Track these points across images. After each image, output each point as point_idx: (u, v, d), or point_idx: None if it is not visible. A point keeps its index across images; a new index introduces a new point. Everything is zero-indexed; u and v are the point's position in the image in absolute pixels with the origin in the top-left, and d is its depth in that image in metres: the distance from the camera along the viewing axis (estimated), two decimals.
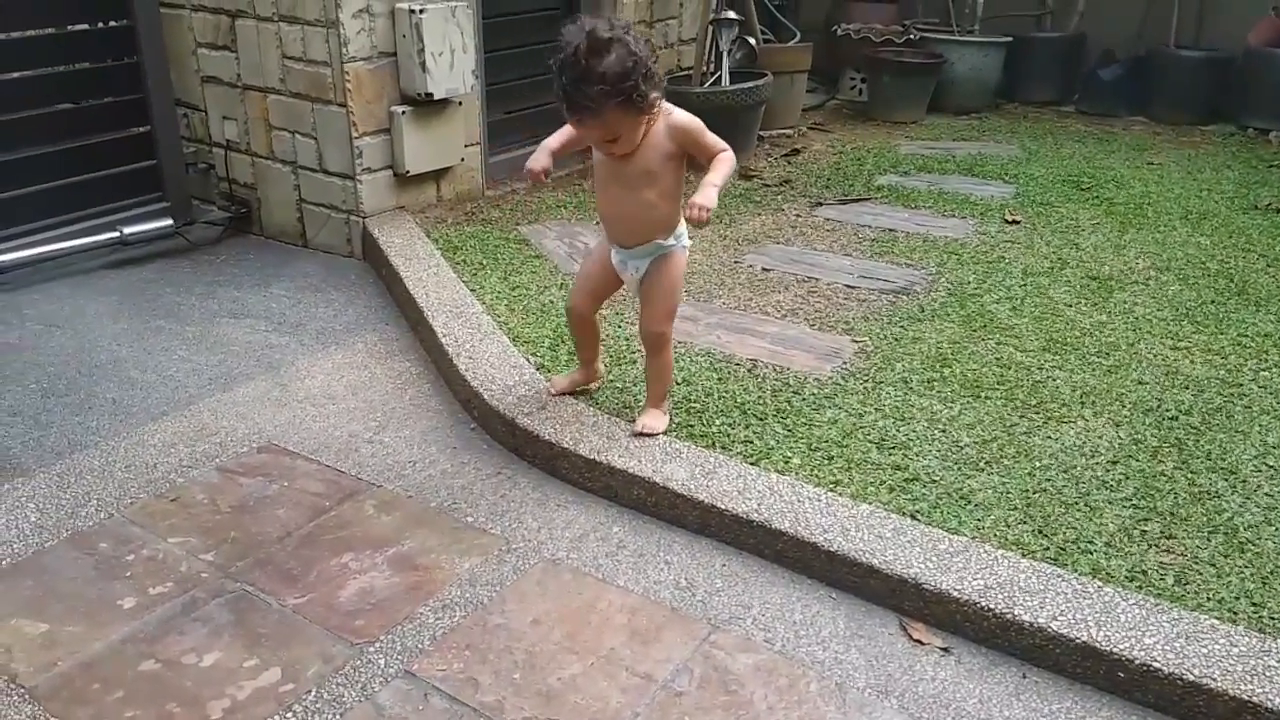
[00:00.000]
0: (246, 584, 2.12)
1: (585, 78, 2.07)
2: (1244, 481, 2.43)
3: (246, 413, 2.81)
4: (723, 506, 2.29)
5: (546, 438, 2.54)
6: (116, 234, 3.77)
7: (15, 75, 3.76)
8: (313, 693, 1.83)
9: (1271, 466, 2.49)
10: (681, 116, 2.32)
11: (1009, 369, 2.95)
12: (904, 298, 3.43)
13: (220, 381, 2.98)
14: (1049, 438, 2.61)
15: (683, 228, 2.46)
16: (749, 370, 2.93)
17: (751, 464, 2.45)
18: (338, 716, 1.78)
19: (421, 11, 3.71)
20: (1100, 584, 2.04)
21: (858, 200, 4.49)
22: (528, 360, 2.92)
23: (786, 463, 2.48)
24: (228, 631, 1.98)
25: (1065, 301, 3.42)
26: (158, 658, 1.91)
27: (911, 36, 6.34)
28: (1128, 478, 2.44)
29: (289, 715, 1.78)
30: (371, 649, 1.94)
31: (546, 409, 2.65)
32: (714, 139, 2.36)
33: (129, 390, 2.93)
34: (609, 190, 2.42)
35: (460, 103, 4.06)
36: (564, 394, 2.71)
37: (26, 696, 1.81)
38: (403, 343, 3.26)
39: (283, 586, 2.11)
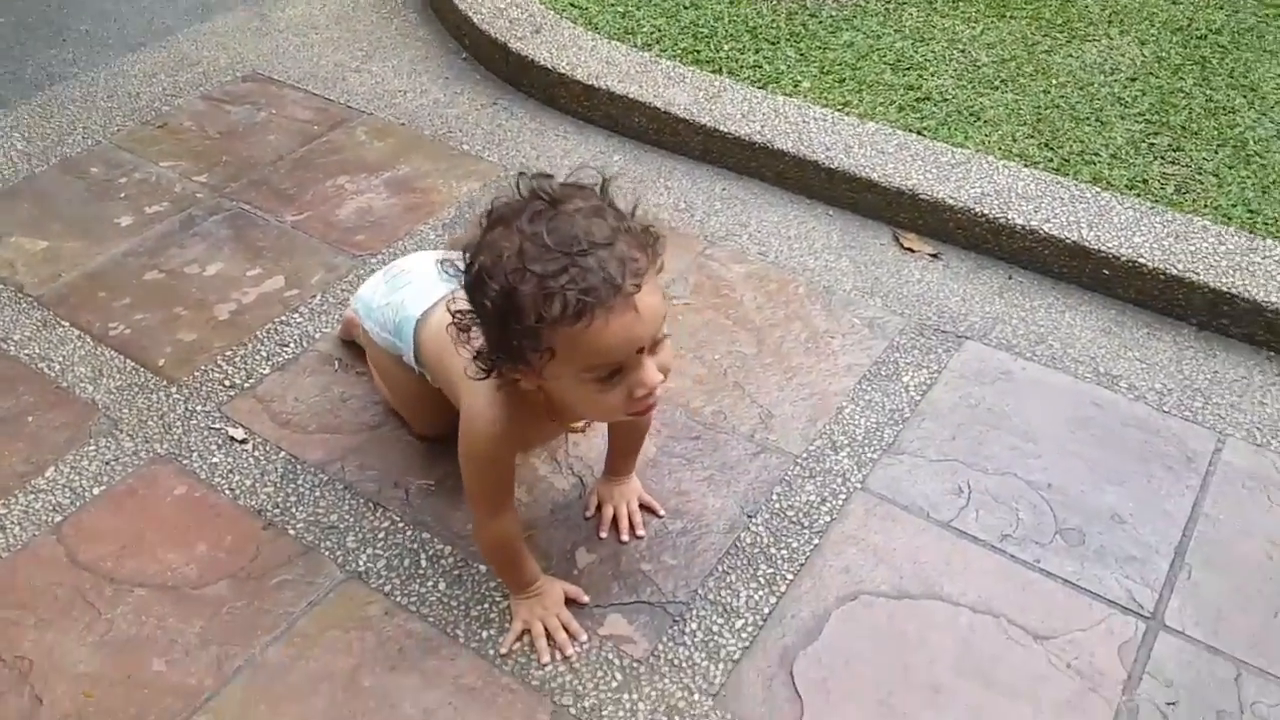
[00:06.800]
0: (243, 203, 2.13)
1: (625, 226, 1.08)
2: (1263, 99, 2.33)
3: (227, 42, 2.69)
4: (725, 130, 2.22)
5: (543, 63, 2.43)
6: None
7: None
8: (318, 297, 1.89)
9: None
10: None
11: None
12: None
13: (197, 12, 2.83)
14: (1070, 56, 2.48)
15: None
16: None
17: (759, 88, 2.35)
18: (341, 317, 1.85)
19: None
20: (1098, 190, 2.02)
21: None
22: None
23: (796, 86, 2.38)
24: (228, 245, 2.02)
25: None
26: (160, 268, 1.96)
27: None
28: (1144, 94, 2.35)
29: (295, 316, 1.86)
30: (374, 260, 1.98)
31: (542, 33, 2.51)
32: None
33: (103, 22, 2.79)
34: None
35: None
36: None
37: (35, 304, 1.88)
38: None
39: (280, 205, 2.12)
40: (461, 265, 1.12)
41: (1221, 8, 2.67)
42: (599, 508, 1.52)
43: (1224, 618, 1.40)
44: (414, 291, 1.46)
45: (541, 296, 1.02)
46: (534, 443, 1.51)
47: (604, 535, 1.49)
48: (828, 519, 1.52)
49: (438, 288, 1.41)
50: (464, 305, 1.13)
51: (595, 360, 1.08)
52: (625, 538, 1.49)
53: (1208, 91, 2.36)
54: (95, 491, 1.54)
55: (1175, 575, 1.46)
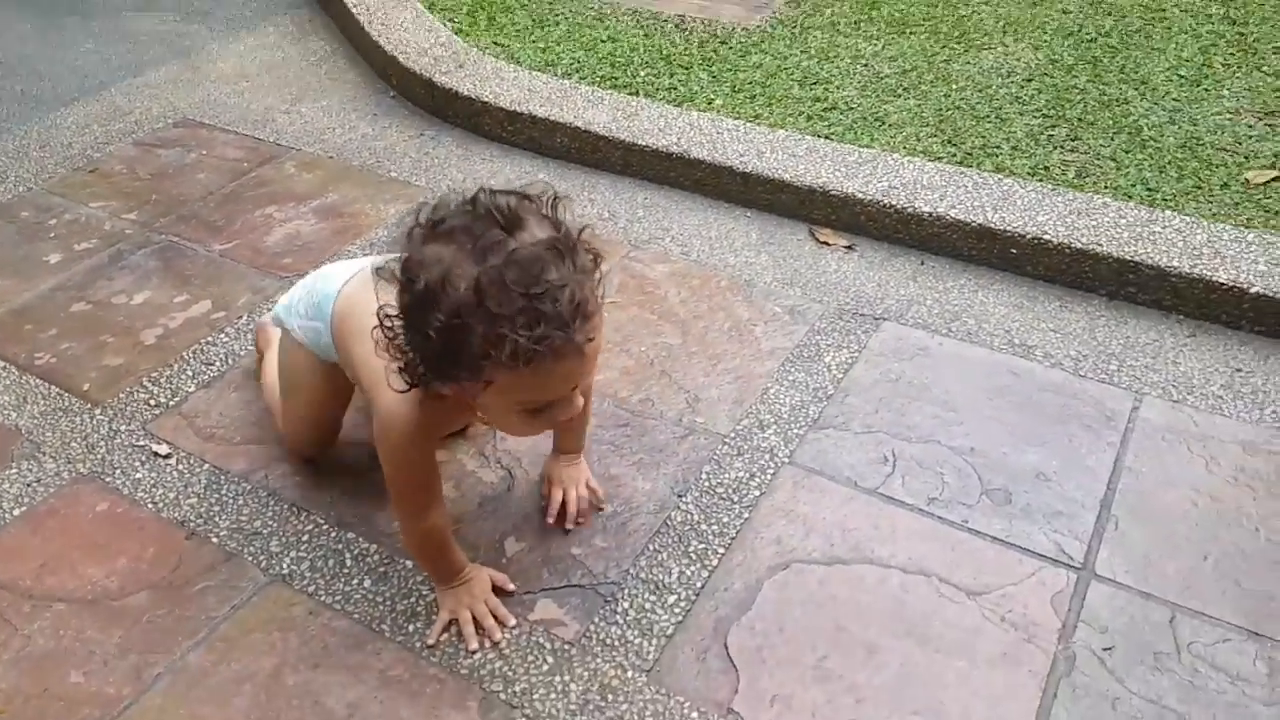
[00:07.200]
0: (172, 236, 2.08)
1: (581, 265, 1.04)
2: (1154, 90, 2.38)
3: (160, 94, 2.65)
4: (644, 143, 2.22)
5: (467, 93, 2.42)
6: None
7: None
8: (244, 317, 1.83)
9: (1183, 76, 2.43)
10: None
11: (935, 6, 2.81)
12: None
13: (130, 68, 2.79)
14: (968, 64, 2.52)
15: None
16: (676, 25, 2.77)
17: (675, 106, 2.36)
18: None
19: None
20: (1001, 177, 2.03)
21: None
22: (444, 25, 2.74)
23: (709, 104, 2.40)
24: (156, 275, 1.96)
25: None
26: (88, 300, 1.89)
27: None
28: (1041, 92, 2.39)
29: (222, 336, 1.79)
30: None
31: (465, 68, 2.51)
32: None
33: (37, 82, 2.74)
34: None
35: None
36: None
37: None
38: (316, 23, 3.04)
39: (208, 236, 2.07)
40: (398, 272, 1.03)
41: (1109, 14, 2.74)
42: (550, 489, 1.43)
43: (1153, 564, 1.37)
44: (332, 274, 1.38)
45: (495, 336, 0.96)
46: (448, 429, 1.44)
47: (550, 520, 1.41)
48: (757, 493, 1.47)
49: (354, 264, 1.36)
50: (394, 312, 1.05)
51: (532, 398, 1.05)
52: (569, 526, 1.41)
53: (1101, 86, 2.40)
54: (16, 513, 1.45)
55: (1103, 527, 1.43)
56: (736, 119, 2.30)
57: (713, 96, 2.43)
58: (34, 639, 1.28)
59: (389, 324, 1.06)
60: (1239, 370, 1.69)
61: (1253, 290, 1.74)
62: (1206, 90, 2.37)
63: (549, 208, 1.05)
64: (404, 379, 1.07)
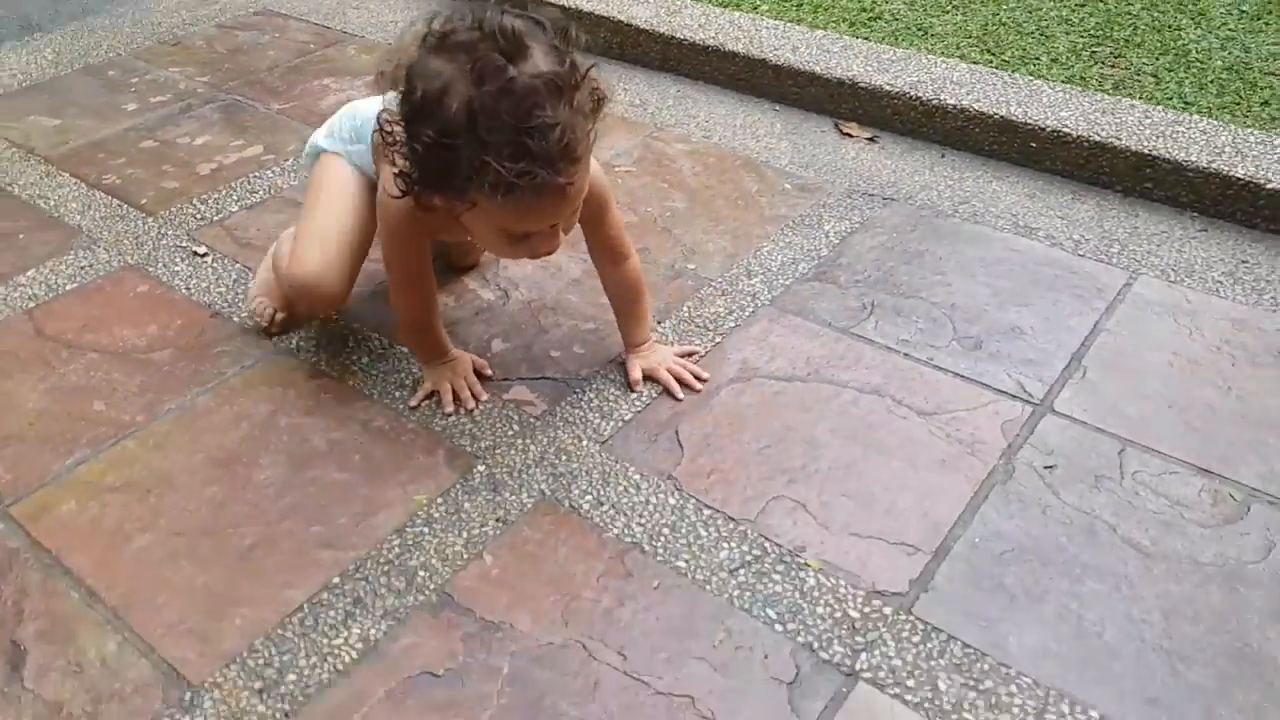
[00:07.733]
0: (237, 96, 2.33)
1: (577, 103, 1.09)
2: (1210, 20, 2.42)
3: None
4: (682, 37, 2.38)
5: None
6: None
7: None
8: (290, 161, 2.06)
9: (1244, 11, 2.46)
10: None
11: None
12: None
13: None
14: None
15: None
16: None
17: (718, 7, 2.51)
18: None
19: None
20: (1032, 79, 2.11)
21: None
22: None
23: (755, 8, 2.54)
24: (218, 124, 2.21)
25: None
26: (156, 139, 2.16)
27: None
28: (1092, 15, 2.45)
29: (267, 173, 2.03)
30: None
31: None
32: (618, 216, 1.44)
33: None
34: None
35: None
36: None
37: (42, 160, 2.09)
38: None
39: (269, 97, 2.32)
40: (401, 80, 1.08)
41: None
42: (636, 385, 1.47)
43: (1114, 407, 1.44)
44: (368, 102, 1.51)
45: (479, 163, 1.02)
46: (444, 235, 1.47)
47: (681, 396, 1.45)
48: (732, 325, 1.61)
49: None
50: (394, 118, 1.11)
51: (510, 226, 1.14)
52: (697, 386, 1.46)
53: (1155, 14, 2.45)
54: (68, 288, 1.70)
55: (1070, 374, 1.51)
56: (777, 20, 2.43)
57: (758, 1, 2.57)
58: (67, 377, 1.51)
59: (388, 128, 1.12)
60: (1245, 262, 1.74)
61: (1269, 186, 1.78)
62: (1266, 24, 2.40)
63: (560, 38, 1.10)
64: (398, 185, 1.14)
